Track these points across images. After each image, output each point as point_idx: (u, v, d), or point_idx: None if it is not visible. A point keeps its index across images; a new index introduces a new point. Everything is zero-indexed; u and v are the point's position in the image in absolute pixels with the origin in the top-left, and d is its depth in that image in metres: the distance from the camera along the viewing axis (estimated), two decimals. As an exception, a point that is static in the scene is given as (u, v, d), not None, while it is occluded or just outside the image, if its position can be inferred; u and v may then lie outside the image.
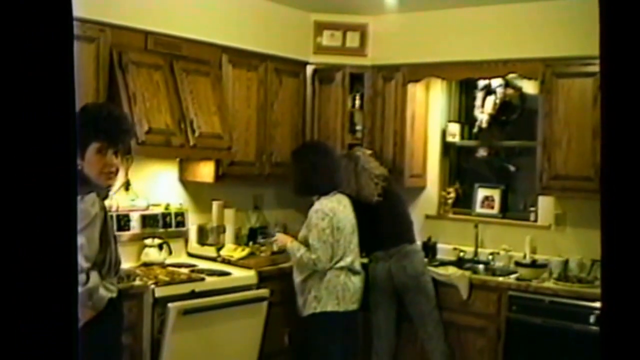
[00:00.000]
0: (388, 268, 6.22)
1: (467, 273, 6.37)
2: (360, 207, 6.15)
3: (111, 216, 5.47)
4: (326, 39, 7.27)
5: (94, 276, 3.92)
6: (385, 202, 6.36)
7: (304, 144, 6.77)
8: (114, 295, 4.08)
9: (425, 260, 6.64)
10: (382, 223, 6.33)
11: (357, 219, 6.06)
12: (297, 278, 5.91)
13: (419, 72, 7.07)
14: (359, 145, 7.04)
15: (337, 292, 5.81)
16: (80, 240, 3.83)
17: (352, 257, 5.92)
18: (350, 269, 5.89)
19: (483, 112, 7.18)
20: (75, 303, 1.34)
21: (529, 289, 6.05)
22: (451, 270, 6.47)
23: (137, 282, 5.24)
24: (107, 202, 4.20)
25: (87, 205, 3.88)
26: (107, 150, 4.03)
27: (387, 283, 6.24)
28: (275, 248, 6.46)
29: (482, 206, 7.21)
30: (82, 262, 3.84)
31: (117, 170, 4.14)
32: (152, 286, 5.23)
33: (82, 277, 3.84)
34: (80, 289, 3.82)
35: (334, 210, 5.84)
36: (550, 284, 6.08)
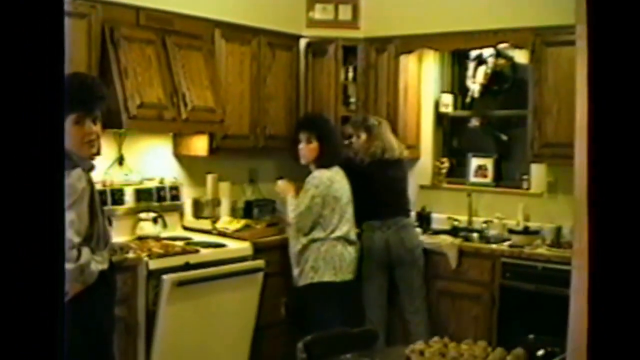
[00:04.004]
0: (385, 239, 6.27)
1: (457, 241, 6.43)
2: (363, 173, 6.28)
3: (102, 190, 5.53)
4: (318, 13, 7.29)
5: (86, 252, 3.95)
6: (391, 172, 6.44)
7: (317, 115, 6.81)
8: (105, 266, 4.11)
9: (419, 230, 6.72)
10: (384, 192, 6.39)
11: (358, 184, 6.19)
12: (294, 249, 5.98)
13: (411, 43, 7.10)
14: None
15: (334, 263, 5.88)
16: (70, 216, 3.85)
17: (348, 226, 5.99)
18: (346, 239, 5.96)
19: (475, 82, 7.22)
20: (62, 280, 1.37)
21: (522, 256, 6.11)
22: (441, 238, 6.53)
23: (131, 255, 5.28)
24: (95, 176, 4.21)
25: (73, 180, 3.88)
26: (85, 120, 4.03)
27: (383, 254, 6.28)
28: (276, 189, 6.41)
29: (475, 175, 7.25)
30: (74, 238, 3.86)
31: (97, 137, 4.12)
32: (146, 259, 5.28)
33: (73, 253, 3.86)
34: (71, 265, 3.84)
35: (332, 179, 5.93)
36: (543, 251, 6.14)
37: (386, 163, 6.39)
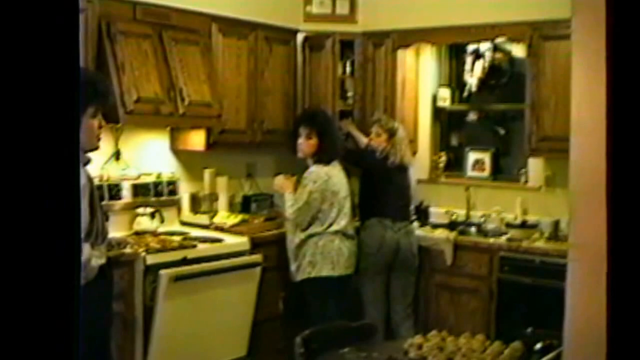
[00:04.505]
0: (397, 240, 6.26)
1: (452, 236, 6.44)
2: (384, 171, 6.33)
3: (99, 185, 5.52)
4: (316, 7, 7.28)
5: (87, 248, 3.94)
6: (405, 177, 6.48)
7: (317, 110, 6.74)
8: (103, 261, 4.11)
9: (417, 225, 6.74)
10: (399, 194, 6.42)
11: (376, 181, 6.34)
12: (292, 243, 5.98)
13: (409, 37, 7.09)
14: (349, 113, 7.19)
15: (332, 257, 5.88)
16: None
17: (346, 221, 6.00)
18: (344, 234, 5.97)
19: (472, 77, 7.22)
20: (79, 272, 1.37)
21: (520, 250, 6.13)
22: (437, 233, 6.54)
23: (128, 250, 5.27)
24: (92, 171, 4.22)
25: None
26: (98, 113, 4.05)
27: (392, 253, 6.27)
28: (274, 186, 6.38)
29: (473, 169, 7.26)
30: None
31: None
32: (143, 254, 5.27)
33: None
34: None
35: (329, 173, 5.93)
36: (540, 244, 6.15)
37: (402, 167, 6.42)
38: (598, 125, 1.34)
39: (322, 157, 5.97)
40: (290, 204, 5.94)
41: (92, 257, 3.98)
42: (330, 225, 5.91)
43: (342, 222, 5.96)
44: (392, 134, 6.40)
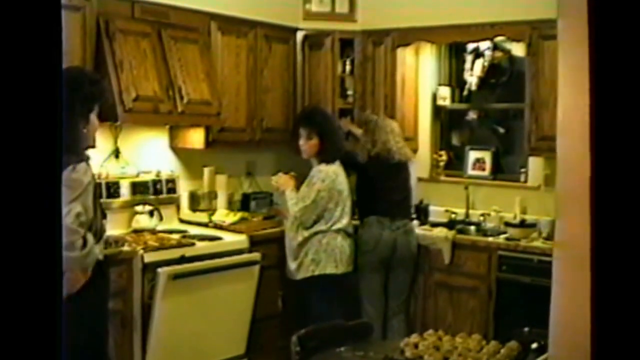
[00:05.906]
0: (394, 238, 6.26)
1: (450, 235, 6.42)
2: (376, 169, 6.33)
3: (98, 183, 5.54)
4: (315, 5, 7.28)
5: (90, 237, 4.00)
6: (403, 174, 6.49)
7: (317, 110, 6.60)
8: (100, 258, 4.14)
9: (417, 223, 6.73)
10: (397, 192, 6.42)
11: (371, 179, 6.35)
12: (293, 241, 5.97)
13: (408, 36, 7.08)
14: (349, 111, 7.20)
15: (335, 255, 5.90)
16: (78, 208, 3.90)
17: (347, 219, 6.03)
18: (345, 232, 5.99)
19: (472, 75, 7.20)
20: (60, 272, 1.37)
21: (518, 249, 6.11)
22: (436, 231, 6.54)
23: (126, 248, 5.27)
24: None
25: (80, 174, 3.95)
26: (98, 112, 4.14)
27: (389, 252, 6.27)
28: (274, 183, 6.32)
29: (473, 168, 7.25)
30: (80, 229, 3.91)
31: None
32: (141, 252, 5.28)
33: (79, 242, 3.91)
34: (78, 253, 3.90)
35: (337, 172, 5.96)
36: (539, 243, 6.13)
37: (400, 165, 6.42)
38: (582, 127, 1.34)
39: (326, 156, 5.97)
40: (294, 202, 5.93)
41: (95, 248, 4.02)
42: (334, 223, 5.92)
43: (344, 221, 5.98)
44: (365, 123, 6.43)
